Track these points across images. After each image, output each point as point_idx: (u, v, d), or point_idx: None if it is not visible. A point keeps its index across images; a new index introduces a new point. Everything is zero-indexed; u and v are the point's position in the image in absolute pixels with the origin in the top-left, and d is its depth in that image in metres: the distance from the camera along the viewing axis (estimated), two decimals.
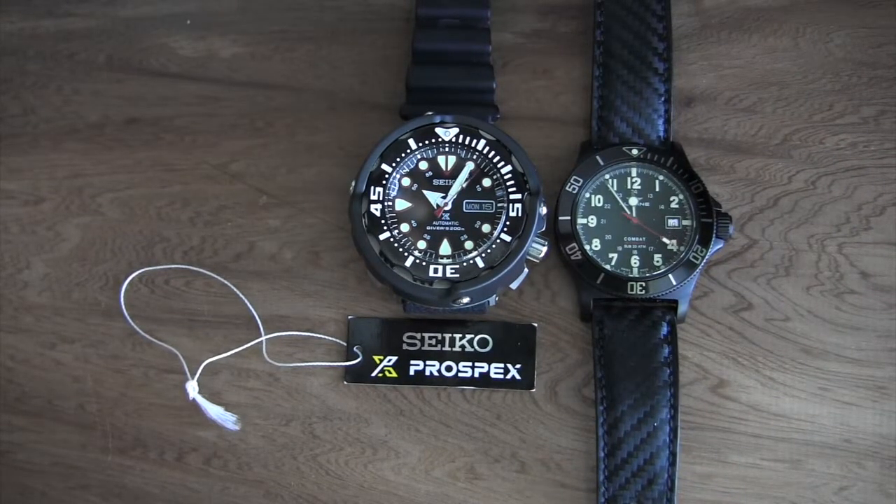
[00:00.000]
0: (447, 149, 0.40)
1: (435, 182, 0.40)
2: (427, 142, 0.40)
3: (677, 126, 0.43)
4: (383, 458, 0.41)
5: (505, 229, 0.39)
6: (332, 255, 0.43)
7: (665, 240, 0.41)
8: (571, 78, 0.44)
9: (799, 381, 0.41)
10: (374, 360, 0.42)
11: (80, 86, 0.46)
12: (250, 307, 0.42)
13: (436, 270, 0.38)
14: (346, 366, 0.42)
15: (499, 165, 0.40)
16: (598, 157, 0.42)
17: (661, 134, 0.42)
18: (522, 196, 0.39)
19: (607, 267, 0.41)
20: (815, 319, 0.41)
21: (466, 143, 0.40)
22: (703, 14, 0.45)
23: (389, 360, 0.42)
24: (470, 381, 0.42)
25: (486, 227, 0.39)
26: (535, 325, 0.42)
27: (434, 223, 0.39)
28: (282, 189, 0.44)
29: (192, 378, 0.40)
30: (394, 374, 0.42)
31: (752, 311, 0.42)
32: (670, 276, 0.40)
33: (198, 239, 0.44)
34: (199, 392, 0.40)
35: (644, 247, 0.41)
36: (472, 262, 0.38)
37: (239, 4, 0.46)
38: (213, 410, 0.40)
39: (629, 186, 0.42)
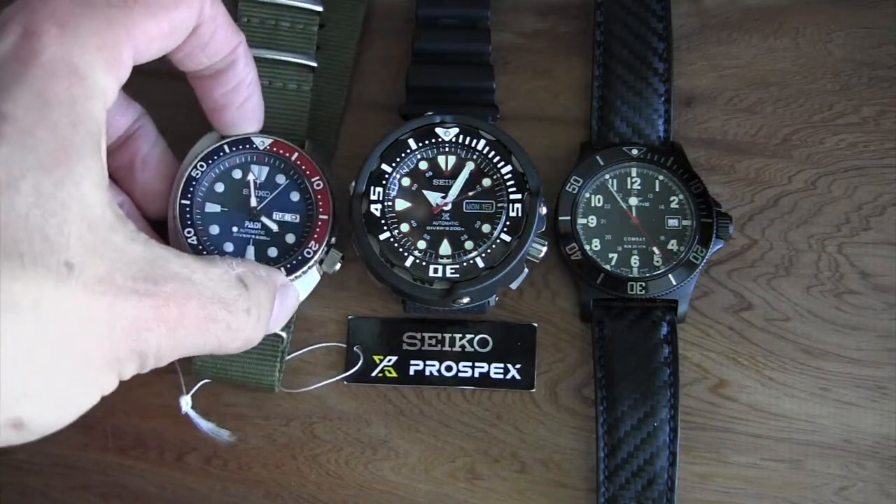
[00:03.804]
0: (447, 149, 0.40)
1: (435, 182, 0.40)
2: (427, 142, 0.40)
3: (677, 126, 0.43)
4: (383, 458, 0.41)
5: (505, 229, 0.39)
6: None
7: (655, 248, 0.41)
8: (571, 78, 0.44)
9: (799, 381, 0.41)
10: (374, 360, 0.42)
11: None
12: None
13: (436, 270, 0.38)
14: (348, 375, 0.42)
15: (499, 165, 0.40)
16: (598, 157, 0.42)
17: (661, 134, 0.42)
18: (522, 196, 0.39)
19: (607, 267, 0.41)
20: (815, 319, 0.41)
21: (466, 143, 0.40)
22: (703, 14, 0.45)
23: (389, 360, 0.42)
24: (470, 381, 0.42)
25: (486, 227, 0.39)
26: (535, 325, 0.42)
27: (434, 223, 0.39)
28: None
29: (188, 393, 0.40)
30: (394, 374, 0.42)
31: (752, 311, 0.42)
32: (670, 276, 0.40)
33: None
34: (196, 399, 0.40)
35: (644, 247, 0.41)
36: (472, 262, 0.38)
37: None
38: (206, 425, 0.40)
39: (629, 186, 0.42)
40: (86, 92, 0.28)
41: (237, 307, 0.32)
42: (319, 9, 0.42)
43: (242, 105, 0.38)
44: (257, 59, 0.41)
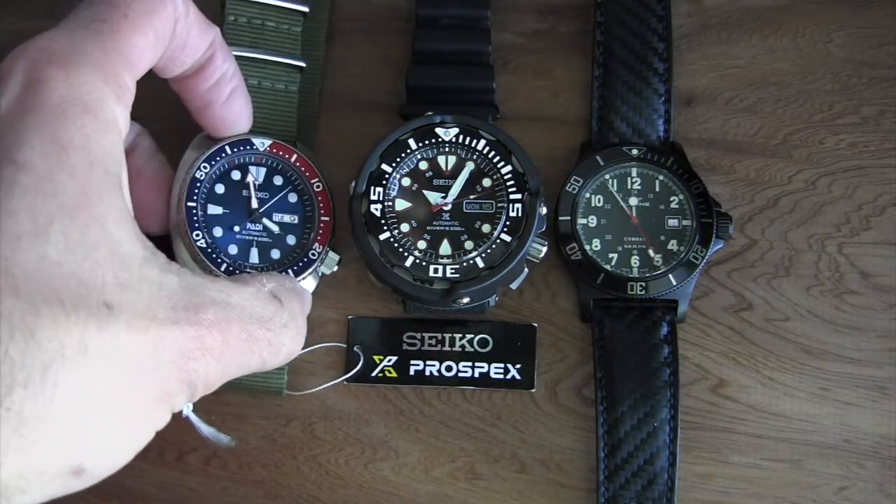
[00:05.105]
0: (447, 149, 0.40)
1: (435, 182, 0.40)
2: (427, 142, 0.40)
3: (677, 126, 0.43)
4: (383, 458, 0.41)
5: (505, 229, 0.39)
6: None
7: (651, 252, 0.41)
8: (571, 78, 0.44)
9: (799, 381, 0.41)
10: (374, 360, 0.42)
11: None
12: None
13: (436, 270, 0.38)
14: (349, 375, 0.42)
15: (499, 165, 0.40)
16: (598, 157, 0.42)
17: (661, 134, 0.42)
18: (522, 196, 0.39)
19: (607, 267, 0.41)
20: (815, 319, 0.41)
21: (466, 143, 0.40)
22: (703, 14, 0.45)
23: (389, 360, 0.42)
24: (470, 381, 0.42)
25: (486, 227, 0.39)
26: (535, 325, 0.42)
27: (434, 223, 0.39)
28: None
29: None
30: (394, 374, 0.42)
31: (752, 311, 0.42)
32: (670, 276, 0.40)
33: None
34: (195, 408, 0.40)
35: (644, 247, 0.41)
36: (472, 262, 0.38)
37: None
38: (207, 429, 0.40)
39: (629, 186, 0.42)
40: (99, 128, 0.28)
41: (275, 323, 0.32)
42: (305, 9, 0.42)
43: (228, 100, 0.38)
44: (246, 59, 0.41)
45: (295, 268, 0.39)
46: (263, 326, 0.31)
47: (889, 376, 0.41)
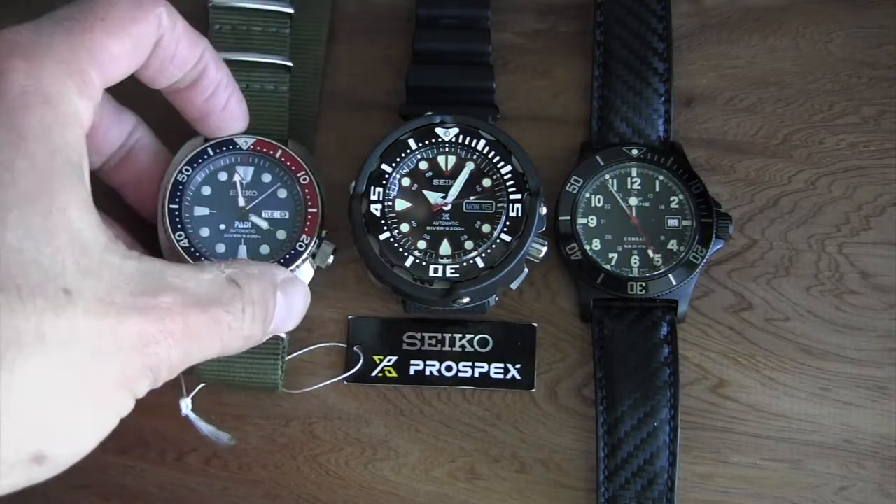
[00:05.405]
0: (447, 149, 0.40)
1: (435, 182, 0.40)
2: (427, 142, 0.40)
3: (677, 126, 0.43)
4: (383, 458, 0.41)
5: (505, 229, 0.39)
6: None
7: (651, 252, 0.41)
8: (571, 78, 0.44)
9: (799, 381, 0.41)
10: (374, 360, 0.42)
11: None
12: None
13: (436, 270, 0.38)
14: (348, 375, 0.42)
15: (499, 165, 0.40)
16: (598, 157, 0.42)
17: (661, 134, 0.42)
18: (522, 196, 0.39)
19: (607, 267, 0.41)
20: (815, 319, 0.41)
21: (466, 143, 0.40)
22: (703, 14, 0.45)
23: (389, 360, 0.42)
24: (470, 381, 0.42)
25: (486, 227, 0.39)
26: (535, 325, 0.42)
27: (434, 223, 0.39)
28: None
29: (188, 395, 0.40)
30: (394, 374, 0.42)
31: (752, 311, 0.42)
32: (670, 276, 0.40)
33: None
34: (195, 399, 0.40)
35: (644, 247, 0.41)
36: (472, 262, 0.38)
37: None
38: (206, 428, 0.40)
39: (629, 186, 0.42)
40: (60, 119, 0.28)
41: (234, 307, 0.32)
42: (290, 10, 0.43)
43: (225, 108, 0.38)
44: (233, 63, 0.41)
45: (282, 260, 0.39)
46: (222, 309, 0.31)
47: (889, 376, 0.41)
